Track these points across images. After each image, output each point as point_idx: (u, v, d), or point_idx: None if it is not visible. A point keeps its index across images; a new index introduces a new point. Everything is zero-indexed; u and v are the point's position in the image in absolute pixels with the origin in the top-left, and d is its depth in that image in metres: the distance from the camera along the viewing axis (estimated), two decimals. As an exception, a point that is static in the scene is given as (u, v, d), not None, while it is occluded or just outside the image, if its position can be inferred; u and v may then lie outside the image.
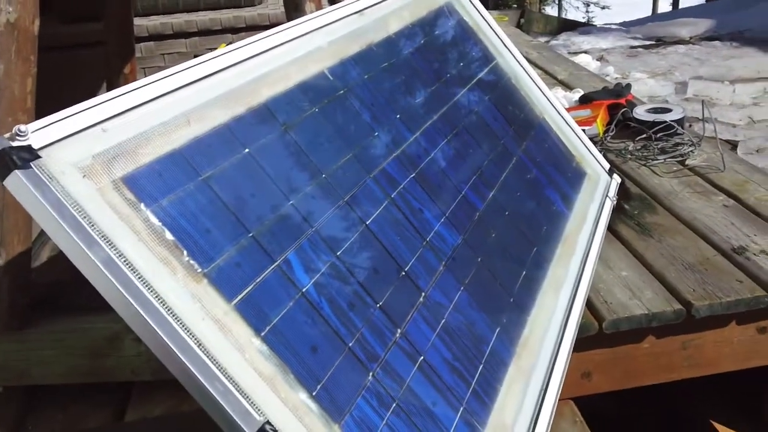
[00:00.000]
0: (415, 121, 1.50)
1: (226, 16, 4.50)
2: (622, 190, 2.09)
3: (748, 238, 1.81)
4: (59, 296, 1.70)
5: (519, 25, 6.87)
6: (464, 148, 1.59)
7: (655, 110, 2.57)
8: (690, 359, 1.64)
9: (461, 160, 1.55)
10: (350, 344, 0.98)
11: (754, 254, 1.72)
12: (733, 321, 1.62)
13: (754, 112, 4.25)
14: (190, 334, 0.81)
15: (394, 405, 0.98)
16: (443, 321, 1.15)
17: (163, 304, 0.81)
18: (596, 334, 1.52)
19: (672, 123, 2.44)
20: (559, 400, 1.54)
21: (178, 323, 0.81)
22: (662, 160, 2.32)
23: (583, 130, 2.32)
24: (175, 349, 0.79)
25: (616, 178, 2.08)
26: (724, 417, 1.83)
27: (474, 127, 1.69)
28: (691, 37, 6.11)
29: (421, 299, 1.15)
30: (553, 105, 2.14)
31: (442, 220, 1.34)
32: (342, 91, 1.32)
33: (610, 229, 1.89)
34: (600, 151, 2.22)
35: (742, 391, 1.88)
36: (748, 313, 1.59)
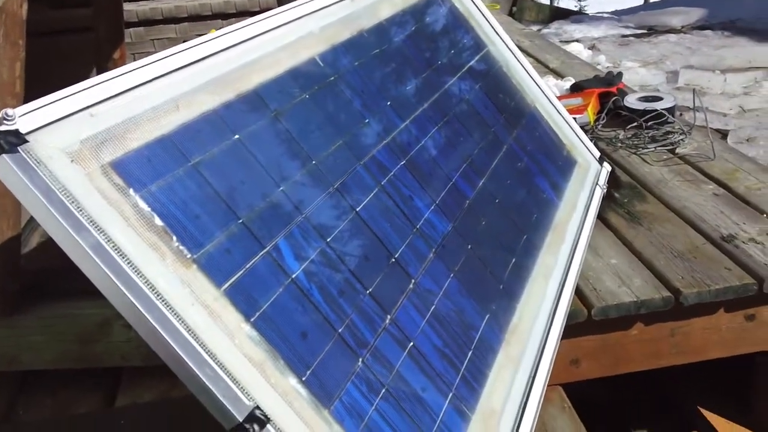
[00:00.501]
0: (405, 108, 1.50)
1: (217, 1, 4.47)
2: (613, 179, 2.10)
3: (737, 227, 1.82)
4: (49, 282, 1.69)
5: (511, 14, 6.85)
6: (455, 136, 1.59)
7: (646, 99, 2.57)
8: (678, 346, 1.65)
9: (452, 147, 1.55)
10: (340, 330, 0.98)
11: (743, 242, 1.74)
12: (722, 308, 1.63)
13: (744, 101, 4.27)
14: (180, 319, 0.81)
15: (384, 391, 0.98)
16: (433, 308, 1.16)
17: (153, 290, 0.81)
18: (585, 321, 1.53)
19: (663, 111, 2.44)
20: (548, 386, 1.55)
21: (168, 309, 0.81)
22: (652, 149, 2.33)
23: (574, 119, 2.33)
24: (164, 335, 0.79)
25: (607, 167, 2.09)
26: (712, 403, 1.85)
27: (465, 115, 1.69)
28: (682, 27, 6.11)
29: (411, 286, 1.15)
30: (544, 93, 2.14)
31: (433, 207, 1.34)
32: (333, 78, 1.32)
33: (600, 217, 1.90)
34: (591, 140, 2.23)
35: (730, 378, 1.90)
36: (736, 300, 1.61)
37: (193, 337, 0.81)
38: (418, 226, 1.27)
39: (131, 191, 0.87)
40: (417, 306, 1.13)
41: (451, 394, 1.06)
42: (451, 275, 1.25)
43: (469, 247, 1.36)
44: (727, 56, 5.18)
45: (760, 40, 5.61)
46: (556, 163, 1.93)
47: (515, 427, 1.10)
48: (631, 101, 2.56)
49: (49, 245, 1.89)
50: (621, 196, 2.03)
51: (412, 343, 1.07)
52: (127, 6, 4.11)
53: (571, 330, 1.51)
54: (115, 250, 0.81)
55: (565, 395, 1.56)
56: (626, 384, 1.84)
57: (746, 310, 1.64)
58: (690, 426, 1.77)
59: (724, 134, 3.82)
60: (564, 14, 7.13)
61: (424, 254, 1.23)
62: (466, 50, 1.93)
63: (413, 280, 1.17)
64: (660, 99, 2.56)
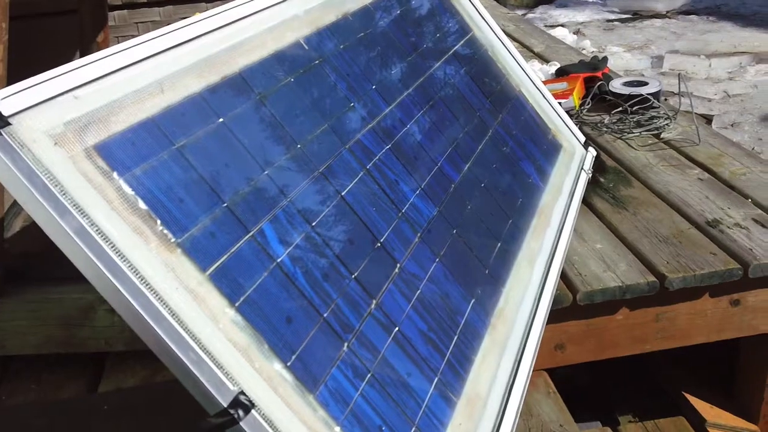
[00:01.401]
0: (391, 92, 1.49)
1: (202, -17, 4.41)
2: (598, 163, 2.11)
3: (722, 211, 1.83)
4: (33, 266, 1.68)
5: (497, -3, 6.82)
6: (440, 120, 1.59)
7: (631, 83, 2.58)
8: (663, 331, 1.66)
9: (437, 132, 1.55)
10: (325, 315, 0.98)
11: (728, 227, 1.75)
12: (707, 293, 1.64)
13: (729, 86, 4.29)
14: (164, 303, 0.81)
15: (369, 376, 0.98)
16: (418, 292, 1.16)
17: (136, 274, 0.80)
18: (570, 306, 1.53)
19: (648, 96, 2.45)
20: (533, 371, 1.56)
21: (152, 293, 0.80)
22: (638, 134, 2.33)
23: (560, 103, 2.33)
24: (148, 319, 0.79)
25: (592, 151, 2.10)
26: (697, 388, 1.87)
27: (450, 99, 1.69)
28: (667, 11, 6.12)
29: (397, 270, 1.15)
30: (529, 77, 2.14)
31: (418, 191, 1.34)
32: (318, 61, 1.31)
33: (585, 201, 1.90)
34: (576, 124, 2.23)
35: (715, 363, 1.92)
36: (721, 285, 1.62)
37: (177, 322, 0.81)
38: (403, 211, 1.27)
39: (115, 174, 0.87)
40: (402, 291, 1.13)
41: (436, 380, 1.07)
42: (437, 260, 1.25)
43: (455, 231, 1.36)
44: (712, 41, 5.21)
45: (744, 25, 5.64)
46: (542, 148, 1.93)
47: (500, 412, 1.11)
48: (616, 86, 2.57)
49: (32, 229, 1.87)
50: (606, 181, 2.04)
51: (397, 328, 1.07)
52: (110, -12, 4.05)
53: (556, 315, 1.52)
54: (99, 234, 0.80)
55: (550, 380, 1.57)
56: (611, 369, 1.86)
57: (731, 295, 1.66)
58: (675, 410, 1.79)
59: (708, 119, 3.84)
60: (550, -1, 7.12)
61: (410, 239, 1.23)
62: (451, 34, 1.92)
63: (399, 265, 1.17)
64: (645, 84, 2.56)
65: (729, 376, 1.87)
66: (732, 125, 3.75)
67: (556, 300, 1.48)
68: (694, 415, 1.79)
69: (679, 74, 2.67)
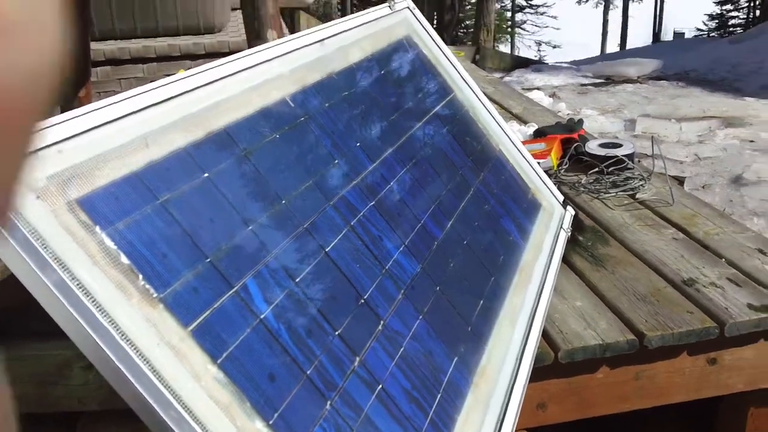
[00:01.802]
0: (374, 150, 1.51)
1: (185, 42, 4.48)
2: (576, 222, 2.13)
3: (697, 270, 1.85)
4: (13, 321, 1.64)
5: (474, 61, 7.01)
6: (423, 177, 1.61)
7: (607, 145, 2.64)
8: (643, 389, 1.66)
9: (420, 189, 1.56)
10: (308, 372, 0.97)
11: (704, 286, 1.77)
12: (685, 351, 1.65)
13: (699, 149, 4.41)
14: (145, 359, 0.79)
15: (352, 434, 0.96)
16: (402, 350, 1.15)
17: (117, 329, 0.79)
18: (552, 364, 1.53)
19: (623, 158, 2.51)
20: (516, 430, 1.54)
21: (133, 349, 0.79)
22: (614, 194, 2.38)
23: (538, 163, 2.37)
24: (128, 376, 0.77)
25: (570, 211, 2.12)
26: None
27: (433, 157, 1.71)
28: (638, 77, 6.32)
29: (380, 327, 1.14)
30: (509, 137, 2.18)
31: (401, 248, 1.34)
32: (303, 118, 1.32)
33: (565, 260, 1.92)
34: (554, 184, 2.27)
35: (695, 421, 1.91)
36: (698, 344, 1.63)
37: (157, 378, 0.79)
38: (387, 267, 1.27)
39: (98, 229, 0.86)
40: (386, 348, 1.12)
41: (420, 438, 1.05)
42: (420, 317, 1.25)
43: (438, 288, 1.36)
44: (682, 105, 5.37)
45: (713, 90, 5.83)
46: (522, 206, 1.96)
47: (484, 472, 1.09)
48: (593, 147, 2.62)
49: (11, 282, 1.83)
50: (585, 240, 2.06)
51: (381, 386, 1.06)
52: (94, 45, 4.09)
53: (537, 373, 1.51)
54: (80, 287, 0.79)
55: (532, 440, 1.55)
56: (592, 428, 1.84)
57: (708, 354, 1.66)
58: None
59: (681, 181, 3.92)
60: (525, 63, 7.34)
61: (393, 295, 1.23)
62: (433, 94, 1.96)
63: (382, 322, 1.16)
64: (620, 146, 2.63)
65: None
66: (703, 187, 3.83)
67: (538, 358, 1.48)
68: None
69: (652, 137, 2.74)
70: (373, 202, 1.37)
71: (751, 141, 4.53)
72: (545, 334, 1.57)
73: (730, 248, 1.97)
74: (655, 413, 1.88)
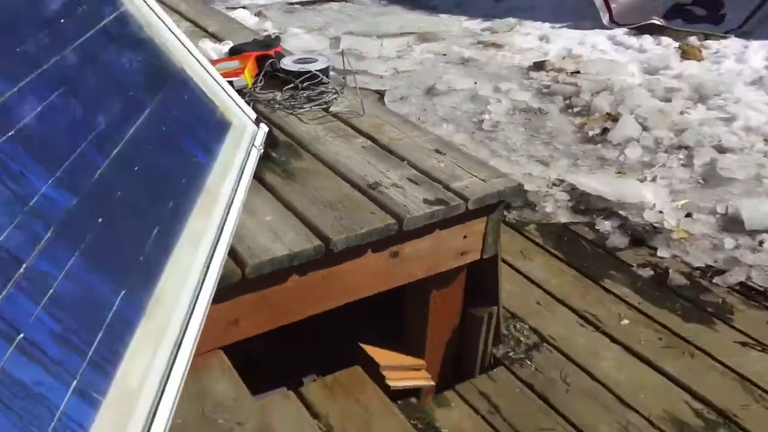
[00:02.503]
0: (15, 71, 1.31)
1: None
2: (270, 139, 2.11)
3: (381, 174, 1.95)
4: None
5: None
6: (82, 102, 1.45)
7: (302, 61, 2.64)
8: (332, 290, 1.72)
9: (78, 115, 1.41)
10: None
11: (386, 188, 1.87)
12: (369, 249, 1.74)
13: (398, 63, 4.65)
14: None
15: (-13, 394, 0.85)
16: (51, 291, 1.03)
17: None
18: (240, 281, 1.51)
19: (316, 73, 2.52)
20: (207, 351, 1.52)
21: None
22: (308, 108, 2.40)
23: (231, 82, 2.30)
24: None
25: (263, 128, 2.09)
26: (372, 337, 1.99)
27: (94, 79, 1.55)
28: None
29: (22, 271, 1.01)
30: (194, 56, 2.07)
31: (52, 181, 1.20)
32: None
33: (257, 177, 1.90)
34: (249, 102, 2.22)
35: (386, 310, 2.05)
36: (381, 240, 1.72)
37: None
38: (31, 204, 1.12)
39: None
40: (28, 292, 1.00)
41: (75, 382, 0.96)
42: (77, 253, 1.14)
43: (101, 220, 1.25)
44: (383, 23, 5.60)
45: (412, 8, 6.16)
46: (208, 126, 1.88)
47: (155, 403, 1.04)
48: (287, 63, 2.60)
49: None
50: (278, 155, 2.06)
51: (22, 335, 0.94)
52: None
53: (228, 291, 1.49)
54: None
55: (226, 358, 1.54)
56: (296, 336, 1.89)
57: (390, 248, 1.77)
58: (352, 362, 1.87)
59: (381, 94, 4.12)
60: (232, -18, 7.08)
61: (40, 234, 1.10)
62: (98, 8, 1.77)
63: (25, 264, 1.03)
64: (315, 61, 2.64)
65: (399, 320, 2.02)
66: (401, 98, 4.06)
67: (225, 277, 1.45)
68: (368, 362, 1.89)
69: (342, 51, 2.79)
70: (12, 132, 1.20)
71: (444, 54, 4.89)
72: (233, 253, 1.54)
73: (412, 151, 2.11)
74: (349, 317, 1.99)
